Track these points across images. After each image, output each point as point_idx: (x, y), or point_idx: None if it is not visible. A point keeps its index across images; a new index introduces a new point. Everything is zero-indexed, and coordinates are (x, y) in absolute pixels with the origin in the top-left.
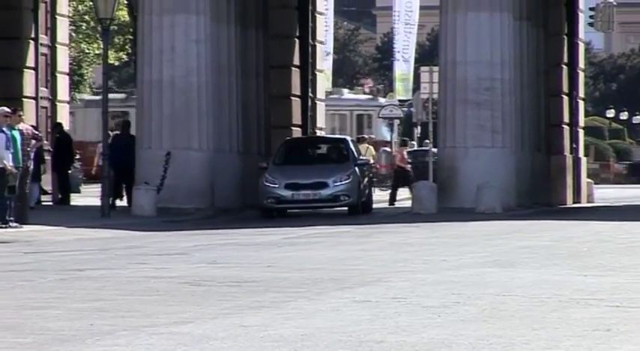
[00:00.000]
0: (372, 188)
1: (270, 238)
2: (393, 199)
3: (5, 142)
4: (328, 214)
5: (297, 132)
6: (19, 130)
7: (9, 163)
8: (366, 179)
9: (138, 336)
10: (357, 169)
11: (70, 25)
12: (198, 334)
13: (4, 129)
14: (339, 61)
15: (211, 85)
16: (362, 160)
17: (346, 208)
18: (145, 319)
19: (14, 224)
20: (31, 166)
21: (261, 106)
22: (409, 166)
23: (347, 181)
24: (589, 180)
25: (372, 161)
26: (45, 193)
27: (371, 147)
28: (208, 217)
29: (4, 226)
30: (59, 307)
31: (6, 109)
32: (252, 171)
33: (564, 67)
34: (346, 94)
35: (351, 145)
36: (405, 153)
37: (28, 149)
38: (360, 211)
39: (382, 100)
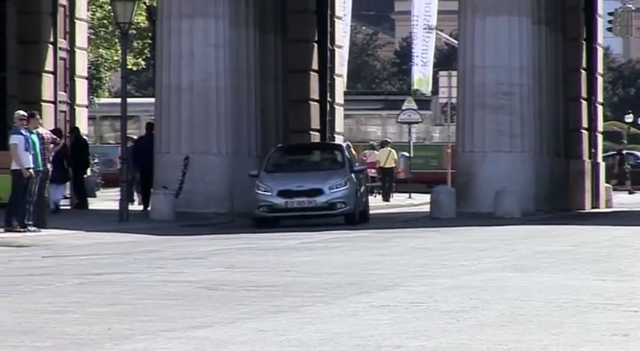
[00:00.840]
0: (369, 196)
1: (289, 243)
2: None
3: (24, 144)
4: (325, 224)
5: (315, 136)
6: (37, 134)
7: (29, 166)
8: (362, 187)
9: (156, 340)
10: (353, 175)
11: (88, 29)
12: (216, 338)
13: (23, 132)
14: (358, 66)
15: (230, 90)
16: (358, 166)
17: (343, 217)
18: (163, 324)
19: (33, 228)
20: (50, 170)
21: (279, 110)
22: None
23: (344, 188)
24: (607, 185)
25: (394, 165)
26: (64, 197)
27: (393, 151)
28: (227, 222)
29: (22, 230)
30: (77, 312)
31: (22, 112)
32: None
33: (583, 71)
34: None
35: (347, 152)
36: None
37: (48, 153)
38: (358, 220)
39: None
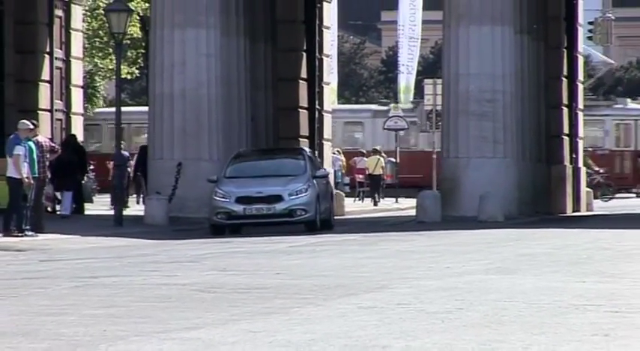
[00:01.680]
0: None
1: (278, 246)
2: None
3: (25, 155)
4: (289, 232)
5: (304, 143)
6: (35, 141)
7: (25, 173)
8: (326, 194)
9: (150, 341)
10: (315, 181)
11: (84, 39)
12: (209, 339)
13: (23, 142)
14: (346, 74)
15: (221, 98)
16: (321, 172)
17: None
18: (157, 325)
19: (30, 233)
20: (49, 176)
21: (269, 117)
22: None
23: (304, 195)
24: (588, 189)
25: (381, 172)
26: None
27: (381, 158)
28: None
29: (20, 234)
30: (73, 314)
31: (28, 122)
32: None
33: (564, 79)
34: (629, 104)
35: (308, 157)
36: None
37: (45, 161)
38: (319, 228)
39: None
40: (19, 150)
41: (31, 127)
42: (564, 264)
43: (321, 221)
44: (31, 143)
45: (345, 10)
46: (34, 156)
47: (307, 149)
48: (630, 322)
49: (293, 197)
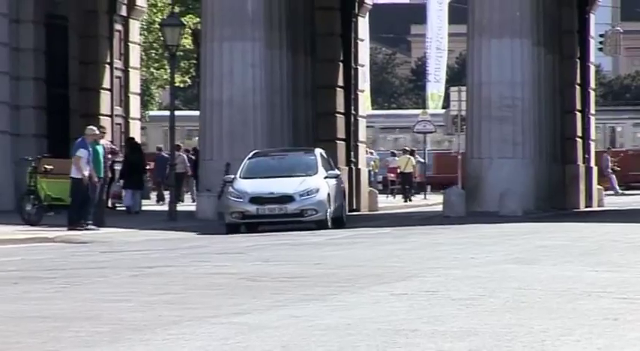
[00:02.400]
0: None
1: (318, 239)
2: None
3: (87, 157)
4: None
5: (341, 145)
6: (101, 144)
7: (86, 173)
8: (338, 193)
9: (201, 326)
10: (326, 181)
11: (141, 51)
12: (255, 323)
13: (88, 145)
14: (379, 82)
15: (265, 104)
16: (332, 173)
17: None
18: (208, 311)
19: (92, 227)
20: (109, 176)
21: (309, 122)
22: None
23: (314, 195)
24: (599, 186)
25: (412, 170)
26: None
27: (412, 158)
28: None
29: (83, 228)
30: (132, 300)
31: (94, 128)
32: None
33: (577, 87)
34: None
35: (320, 158)
36: None
37: (107, 162)
38: (330, 227)
39: None
40: (82, 153)
41: (97, 132)
42: (577, 255)
43: (333, 219)
44: (99, 147)
45: (377, 24)
46: (100, 158)
47: (320, 150)
48: (637, 308)
49: (304, 197)
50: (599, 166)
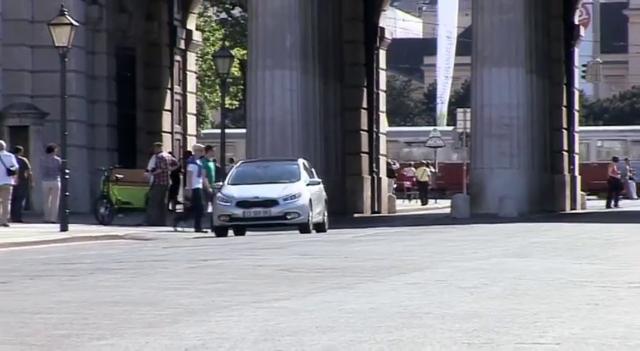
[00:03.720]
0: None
1: (346, 237)
2: (608, 204)
3: (197, 171)
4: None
5: (365, 158)
6: (161, 157)
7: (198, 187)
8: (319, 199)
9: (247, 309)
10: (308, 188)
11: (196, 78)
12: (293, 307)
13: (198, 161)
14: (396, 104)
15: (301, 123)
16: (313, 180)
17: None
18: (253, 297)
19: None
20: (170, 183)
21: (338, 138)
22: (619, 176)
23: (297, 200)
24: (582, 192)
25: (427, 179)
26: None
27: (427, 168)
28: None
29: (201, 230)
30: (189, 288)
31: (201, 146)
32: (331, 185)
33: (564, 108)
34: None
35: (302, 167)
36: (615, 167)
37: (169, 171)
38: (311, 231)
39: None
40: (191, 167)
41: (203, 147)
42: (564, 250)
43: (315, 224)
44: (210, 163)
45: (395, 56)
46: (212, 173)
47: (302, 160)
48: (615, 295)
49: (287, 202)
50: (612, 173)
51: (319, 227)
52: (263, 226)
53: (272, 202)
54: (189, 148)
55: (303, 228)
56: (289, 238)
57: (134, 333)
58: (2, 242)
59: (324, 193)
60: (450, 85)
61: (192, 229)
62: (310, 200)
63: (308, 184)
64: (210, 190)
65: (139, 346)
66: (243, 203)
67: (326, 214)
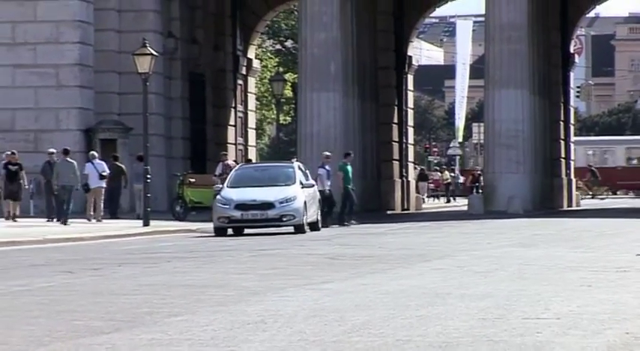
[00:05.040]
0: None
1: (380, 230)
2: None
3: (326, 175)
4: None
5: (396, 164)
6: (226, 164)
7: (327, 187)
8: (313, 201)
9: (299, 291)
10: (303, 191)
11: (255, 99)
12: (336, 289)
13: (327, 167)
14: (422, 120)
15: (342, 136)
16: (307, 183)
17: (292, 228)
18: (303, 280)
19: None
20: None
21: (373, 148)
22: None
23: (292, 202)
24: (577, 192)
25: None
26: None
27: (446, 172)
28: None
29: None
30: (250, 273)
31: (328, 153)
32: (369, 187)
33: (561, 122)
34: None
35: (297, 170)
36: None
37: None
38: (306, 231)
39: None
40: (321, 171)
41: (330, 155)
42: (562, 241)
43: (310, 224)
44: (348, 167)
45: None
46: (350, 175)
47: (298, 163)
48: (605, 278)
49: (283, 204)
50: None
51: (313, 226)
52: (260, 227)
53: (269, 205)
54: (249, 157)
55: (298, 229)
56: (333, 231)
57: (205, 311)
58: (95, 235)
59: (317, 194)
60: (466, 104)
61: (354, 223)
62: (305, 202)
63: (303, 187)
64: (328, 192)
65: (209, 321)
66: (241, 206)
67: (319, 213)
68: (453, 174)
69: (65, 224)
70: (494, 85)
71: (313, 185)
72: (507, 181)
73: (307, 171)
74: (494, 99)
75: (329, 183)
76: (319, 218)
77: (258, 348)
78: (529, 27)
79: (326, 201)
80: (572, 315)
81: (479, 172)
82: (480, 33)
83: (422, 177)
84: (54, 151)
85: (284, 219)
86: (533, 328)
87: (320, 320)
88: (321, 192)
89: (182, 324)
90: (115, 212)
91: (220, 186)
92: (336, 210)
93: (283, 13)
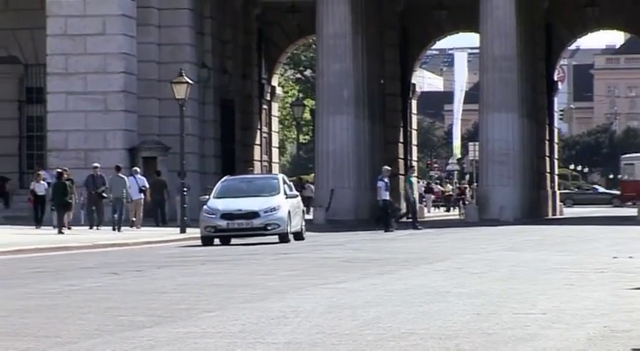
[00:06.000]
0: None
1: (388, 236)
2: None
3: (385, 187)
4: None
5: (401, 178)
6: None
7: (386, 197)
8: (297, 211)
9: (316, 290)
10: (287, 201)
11: (278, 121)
12: (349, 288)
13: (386, 180)
14: (424, 140)
15: (354, 153)
16: (291, 193)
17: (277, 237)
18: (320, 280)
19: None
20: None
21: (381, 164)
22: None
23: (276, 212)
24: (560, 203)
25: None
26: None
27: (448, 185)
28: (354, 225)
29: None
30: (273, 274)
31: (388, 168)
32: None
33: (547, 142)
34: None
35: (282, 181)
36: None
37: None
38: (290, 240)
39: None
40: (380, 184)
41: (390, 169)
42: (548, 245)
43: (294, 234)
44: (413, 178)
45: (424, 103)
46: (414, 186)
47: (282, 175)
48: (586, 277)
49: (268, 214)
50: None
51: (298, 236)
52: (245, 236)
53: (254, 215)
54: (274, 171)
55: (283, 237)
56: (345, 237)
57: (234, 307)
58: (137, 241)
59: (302, 204)
60: (461, 126)
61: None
62: (289, 212)
63: (287, 197)
64: (411, 196)
65: (238, 316)
66: (227, 215)
67: (303, 223)
68: (453, 187)
69: (119, 231)
70: (488, 109)
71: (297, 195)
72: (499, 193)
73: (291, 183)
74: (487, 121)
75: (387, 194)
76: (303, 228)
77: (281, 339)
78: (518, 58)
79: (383, 210)
80: (557, 311)
81: (465, 186)
82: (475, 63)
83: (428, 190)
84: (97, 165)
85: (269, 228)
86: (522, 322)
87: (335, 315)
88: (383, 201)
89: (214, 319)
90: (166, 221)
91: (207, 197)
92: (399, 214)
93: (303, 46)
